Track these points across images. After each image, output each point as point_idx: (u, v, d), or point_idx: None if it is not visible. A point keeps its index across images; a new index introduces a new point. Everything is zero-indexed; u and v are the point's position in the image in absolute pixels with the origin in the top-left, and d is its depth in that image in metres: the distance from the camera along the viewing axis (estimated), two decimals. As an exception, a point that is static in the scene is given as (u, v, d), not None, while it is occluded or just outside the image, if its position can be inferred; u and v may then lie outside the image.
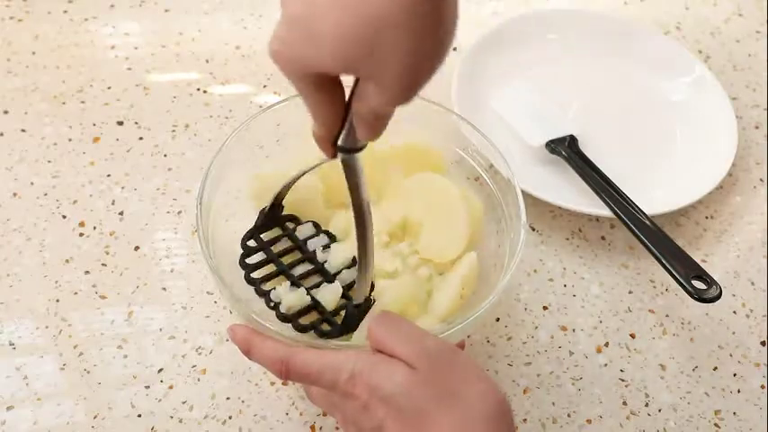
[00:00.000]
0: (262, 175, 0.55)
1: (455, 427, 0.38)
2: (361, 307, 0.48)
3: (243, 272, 0.51)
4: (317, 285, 0.51)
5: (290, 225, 0.54)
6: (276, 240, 0.53)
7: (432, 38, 0.33)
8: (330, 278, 0.51)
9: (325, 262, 0.52)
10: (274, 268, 0.52)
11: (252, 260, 0.52)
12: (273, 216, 0.53)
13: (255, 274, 0.51)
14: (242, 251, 0.52)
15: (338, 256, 0.52)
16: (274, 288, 0.50)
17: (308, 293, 0.50)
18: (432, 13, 0.32)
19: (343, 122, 0.38)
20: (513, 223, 0.52)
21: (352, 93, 0.37)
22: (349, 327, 0.48)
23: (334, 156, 0.39)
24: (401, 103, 0.35)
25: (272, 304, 0.49)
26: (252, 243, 0.53)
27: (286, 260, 0.52)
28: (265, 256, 0.52)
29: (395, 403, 0.39)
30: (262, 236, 0.53)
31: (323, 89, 0.37)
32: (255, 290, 0.51)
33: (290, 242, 0.53)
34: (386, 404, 0.39)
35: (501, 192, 0.54)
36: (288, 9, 0.34)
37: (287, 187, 0.51)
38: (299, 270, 0.52)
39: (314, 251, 0.53)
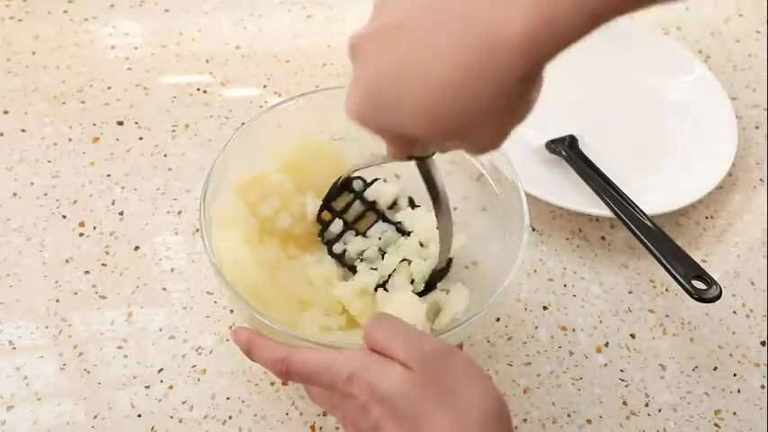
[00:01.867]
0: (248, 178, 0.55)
1: (452, 427, 0.38)
2: (445, 270, 0.53)
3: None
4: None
5: (359, 184, 0.58)
6: (349, 206, 0.57)
7: (523, 111, 0.35)
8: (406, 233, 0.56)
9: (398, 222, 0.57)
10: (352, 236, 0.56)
11: (330, 233, 0.56)
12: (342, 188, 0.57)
13: (337, 248, 0.56)
14: (320, 227, 0.57)
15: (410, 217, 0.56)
16: (360, 259, 0.55)
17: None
18: (525, 92, 0.34)
19: None
20: (515, 225, 0.52)
21: None
22: (430, 287, 0.54)
23: (408, 160, 0.43)
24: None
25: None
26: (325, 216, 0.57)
27: (362, 224, 0.57)
28: (343, 226, 0.56)
29: (391, 403, 0.39)
30: (333, 204, 0.57)
31: (401, 139, 0.39)
32: (339, 261, 0.56)
33: (362, 204, 0.57)
34: (382, 404, 0.39)
35: (504, 193, 0.54)
36: (371, 73, 0.35)
37: (358, 168, 0.55)
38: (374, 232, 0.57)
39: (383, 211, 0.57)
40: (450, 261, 0.54)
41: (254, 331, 0.46)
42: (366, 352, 0.42)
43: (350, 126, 0.38)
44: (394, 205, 0.58)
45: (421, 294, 0.53)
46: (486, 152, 0.39)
